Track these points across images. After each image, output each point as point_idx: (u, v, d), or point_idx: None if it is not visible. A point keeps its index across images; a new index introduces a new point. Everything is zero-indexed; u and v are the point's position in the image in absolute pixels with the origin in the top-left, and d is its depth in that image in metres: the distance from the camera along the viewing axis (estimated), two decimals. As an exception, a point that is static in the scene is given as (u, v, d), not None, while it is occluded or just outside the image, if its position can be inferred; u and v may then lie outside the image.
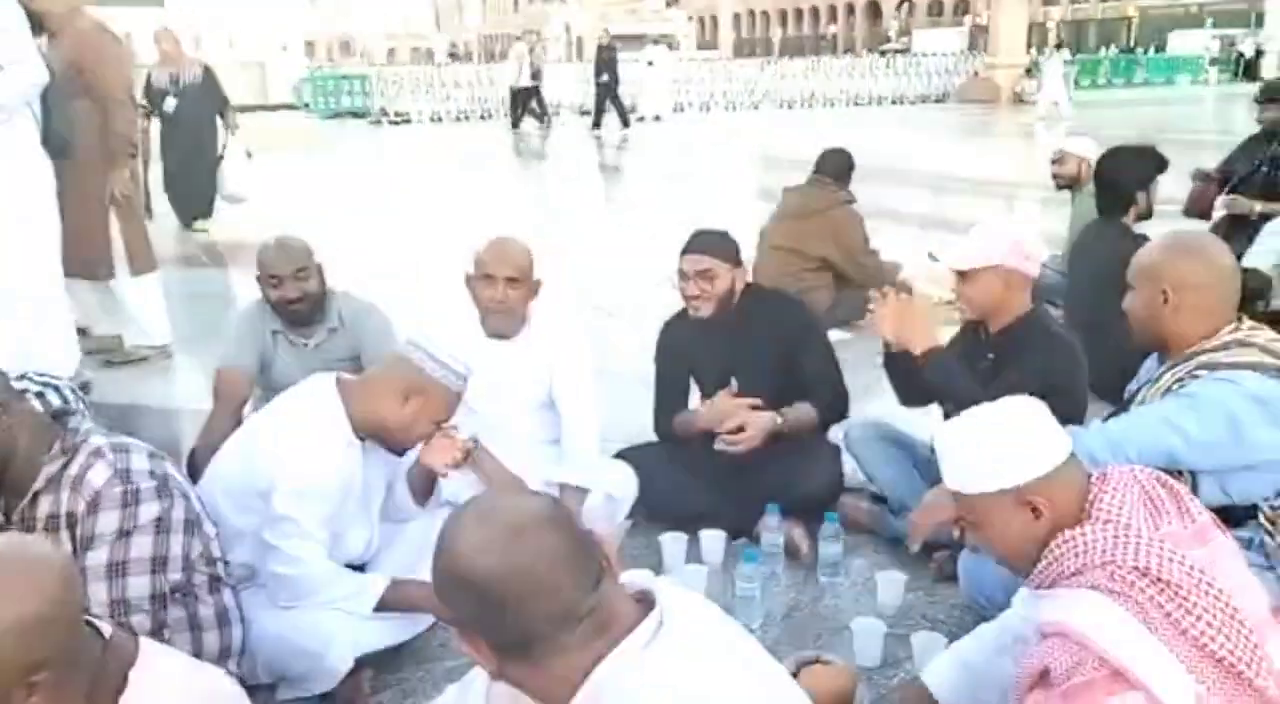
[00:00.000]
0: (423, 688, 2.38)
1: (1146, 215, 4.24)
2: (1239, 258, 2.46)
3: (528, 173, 14.46)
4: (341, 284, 3.35)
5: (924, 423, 3.05)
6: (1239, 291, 2.24)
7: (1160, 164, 4.28)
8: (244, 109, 10.80)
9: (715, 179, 12.62)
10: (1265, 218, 4.97)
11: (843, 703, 2.03)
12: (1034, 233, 2.84)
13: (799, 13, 69.00)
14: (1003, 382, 2.45)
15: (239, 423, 2.89)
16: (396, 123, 21.30)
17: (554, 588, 1.27)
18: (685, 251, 3.06)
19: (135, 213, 4.92)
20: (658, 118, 20.60)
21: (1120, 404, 2.40)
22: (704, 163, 14.59)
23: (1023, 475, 1.62)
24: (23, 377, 2.38)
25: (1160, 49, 36.87)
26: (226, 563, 2.18)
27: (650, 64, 20.96)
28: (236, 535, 2.32)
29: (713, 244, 3.05)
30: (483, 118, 21.81)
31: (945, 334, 3.03)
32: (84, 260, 4.62)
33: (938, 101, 25.08)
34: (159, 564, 1.93)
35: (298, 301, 3.11)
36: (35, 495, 1.90)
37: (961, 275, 2.75)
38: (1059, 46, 25.27)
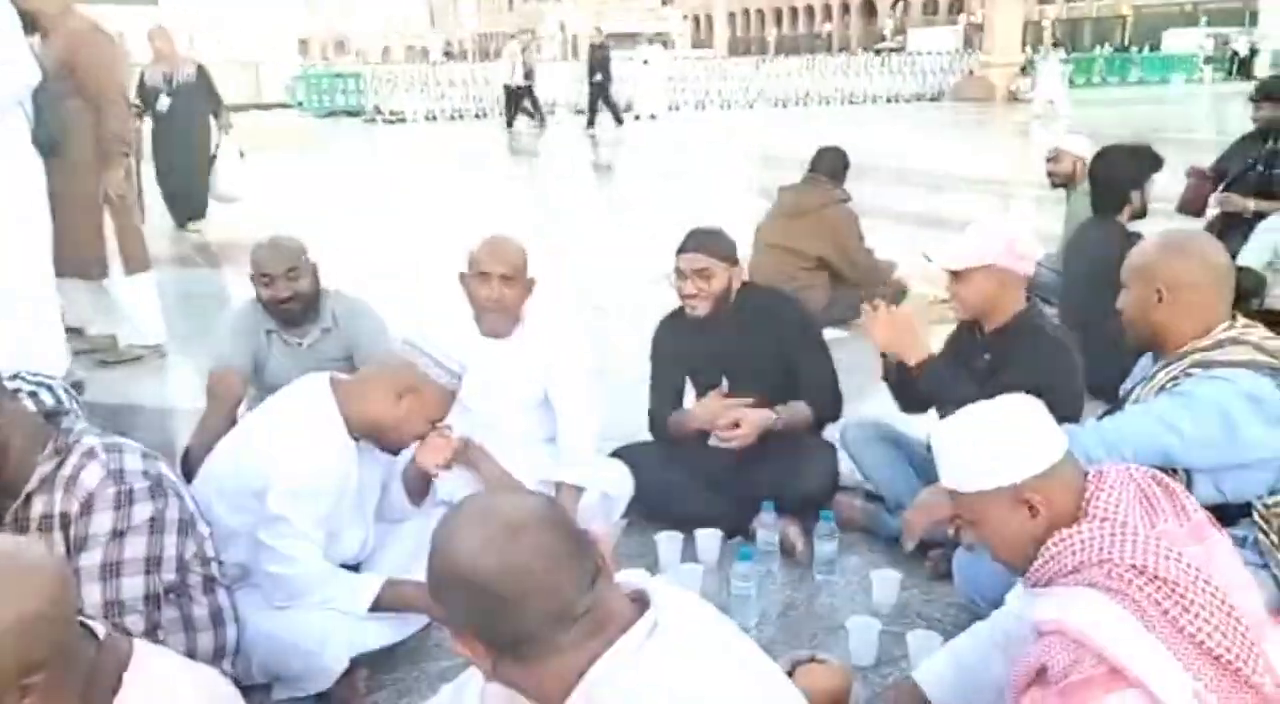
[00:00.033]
0: (418, 688, 2.38)
1: (1141, 214, 4.24)
2: (1233, 256, 2.46)
3: (522, 172, 14.44)
4: (335, 283, 3.35)
5: (920, 422, 3.05)
6: (1233, 290, 2.24)
7: (1155, 162, 4.29)
8: (238, 108, 10.76)
9: (710, 178, 12.61)
10: (1259, 216, 4.99)
11: (838, 702, 2.02)
12: (1029, 231, 2.83)
13: (794, 11, 69.03)
14: (998, 383, 2.45)
15: (233, 423, 2.88)
16: (391, 122, 21.23)
17: (550, 587, 1.26)
18: (681, 250, 3.06)
19: (129, 212, 4.90)
20: (653, 116, 20.58)
21: (1115, 402, 2.40)
22: (699, 161, 14.57)
23: (1019, 473, 1.62)
24: (16, 376, 2.38)
25: (1155, 48, 36.94)
26: (221, 563, 2.17)
27: (645, 63, 20.98)
28: (231, 535, 2.31)
29: (709, 243, 3.05)
30: (477, 117, 21.76)
31: (940, 333, 3.04)
32: (78, 260, 4.61)
33: (933, 100, 25.07)
34: (153, 565, 1.92)
35: (289, 301, 3.10)
36: (29, 496, 1.89)
37: (955, 275, 2.75)
38: (1055, 45, 25.29)
